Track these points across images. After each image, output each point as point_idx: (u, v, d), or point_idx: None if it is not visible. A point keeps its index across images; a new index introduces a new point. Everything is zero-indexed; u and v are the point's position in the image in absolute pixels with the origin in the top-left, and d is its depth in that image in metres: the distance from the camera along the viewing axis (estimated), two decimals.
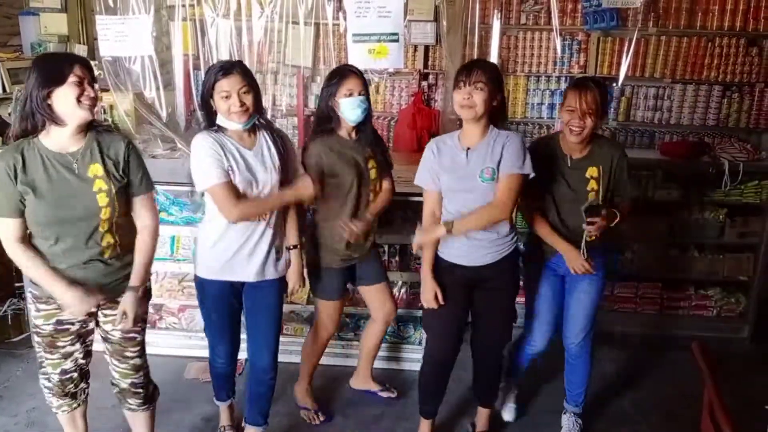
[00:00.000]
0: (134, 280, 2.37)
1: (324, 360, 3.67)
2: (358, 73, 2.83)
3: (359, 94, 2.77)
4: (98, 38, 4.08)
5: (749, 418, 2.29)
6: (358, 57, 3.79)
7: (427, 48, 5.33)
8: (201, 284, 2.70)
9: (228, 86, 2.42)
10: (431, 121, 5.02)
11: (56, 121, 2.15)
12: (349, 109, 2.77)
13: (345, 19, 3.84)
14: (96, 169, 2.22)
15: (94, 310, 2.37)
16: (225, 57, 4.19)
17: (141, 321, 2.48)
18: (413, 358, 3.64)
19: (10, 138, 2.23)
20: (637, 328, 4.18)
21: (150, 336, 2.66)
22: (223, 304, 2.70)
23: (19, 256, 2.23)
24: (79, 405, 2.57)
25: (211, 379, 3.00)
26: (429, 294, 2.68)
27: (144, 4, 3.96)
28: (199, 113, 4.47)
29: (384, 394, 3.41)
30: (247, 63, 4.18)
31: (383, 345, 3.62)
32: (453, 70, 4.64)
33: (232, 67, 2.47)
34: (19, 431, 3.10)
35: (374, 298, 3.15)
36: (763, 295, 4.16)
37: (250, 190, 2.52)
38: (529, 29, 5.20)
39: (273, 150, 2.58)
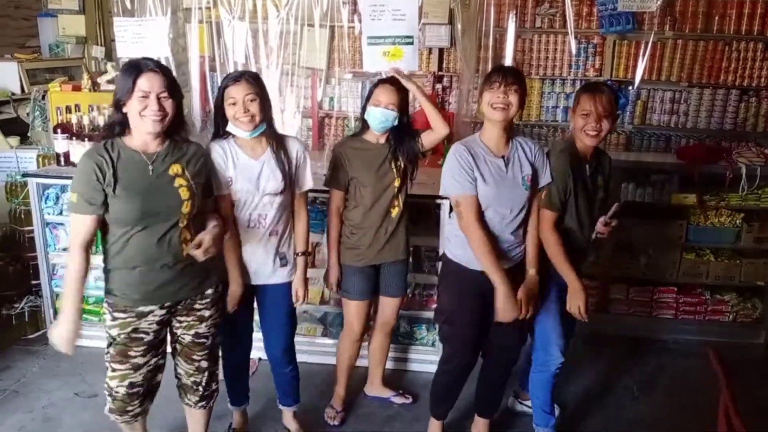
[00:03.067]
0: (209, 231, 2.36)
1: (335, 360, 3.68)
2: (396, 86, 2.87)
3: (387, 107, 2.82)
4: (116, 40, 4.11)
5: (765, 423, 2.27)
6: (372, 59, 3.79)
7: (441, 51, 5.35)
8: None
9: (235, 93, 2.48)
10: None
11: (131, 126, 2.24)
12: (372, 117, 2.85)
13: (360, 21, 3.85)
14: (176, 168, 2.30)
15: (165, 317, 2.38)
16: (241, 59, 4.21)
17: (212, 326, 2.51)
18: (425, 360, 3.63)
19: (100, 138, 2.31)
20: (653, 332, 4.15)
21: None
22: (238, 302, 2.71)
23: (74, 258, 2.22)
24: (136, 420, 2.52)
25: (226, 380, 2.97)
26: (513, 309, 2.56)
27: (161, 6, 4.00)
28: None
29: (398, 400, 3.39)
30: (262, 64, 4.24)
31: (395, 346, 3.63)
32: (467, 72, 4.66)
33: (241, 75, 2.53)
34: (35, 427, 3.12)
35: (381, 307, 3.17)
36: None
37: (251, 199, 2.58)
38: (544, 32, 5.20)
39: (278, 162, 2.60)
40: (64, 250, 3.77)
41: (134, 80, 2.17)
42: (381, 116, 2.83)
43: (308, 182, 2.73)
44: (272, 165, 2.59)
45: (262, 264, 2.68)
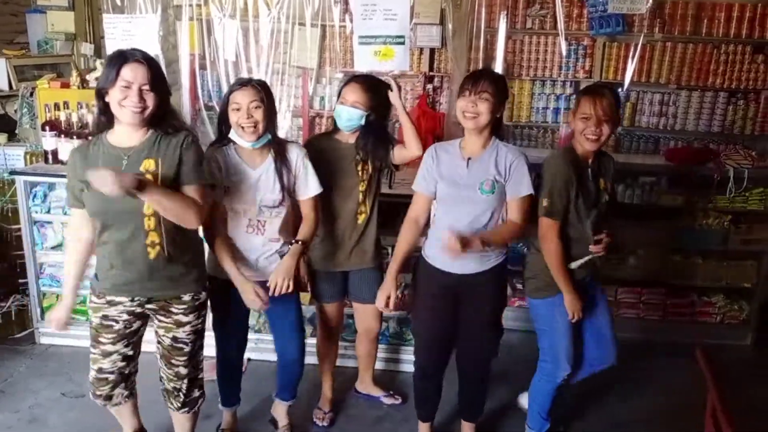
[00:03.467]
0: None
1: None
2: (364, 85, 2.79)
3: (353, 105, 2.76)
4: (105, 37, 4.10)
5: (752, 424, 2.29)
6: (364, 59, 3.80)
7: (432, 51, 5.35)
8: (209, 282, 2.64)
9: (240, 98, 2.44)
10: (436, 123, 5.03)
11: (113, 117, 2.23)
12: (338, 116, 2.80)
13: (351, 21, 3.86)
14: (149, 164, 2.23)
15: (141, 311, 2.41)
16: (231, 57, 4.20)
17: (192, 333, 2.47)
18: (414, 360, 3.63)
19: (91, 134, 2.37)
20: (640, 333, 4.17)
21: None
22: (229, 301, 2.68)
23: (67, 246, 2.44)
24: (116, 405, 2.57)
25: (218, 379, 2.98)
26: (384, 294, 2.65)
27: (151, 4, 3.99)
28: (204, 114, 4.53)
29: (387, 400, 3.38)
30: (253, 63, 4.23)
31: (385, 347, 3.65)
32: (458, 73, 4.67)
33: (248, 81, 2.49)
34: (21, 428, 3.09)
35: (359, 314, 3.15)
36: (766, 302, 4.15)
37: (247, 209, 2.55)
38: (535, 33, 5.21)
39: (277, 173, 2.55)
40: (52, 248, 3.74)
41: (118, 70, 2.15)
42: (346, 114, 2.77)
43: (312, 189, 2.65)
44: (270, 176, 2.55)
45: (265, 266, 2.64)
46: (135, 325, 2.43)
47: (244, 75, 4.27)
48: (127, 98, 2.15)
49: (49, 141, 3.66)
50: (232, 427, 3.06)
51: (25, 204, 3.64)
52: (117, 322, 2.38)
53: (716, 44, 5.05)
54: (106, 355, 2.43)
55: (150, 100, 2.19)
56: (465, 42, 4.64)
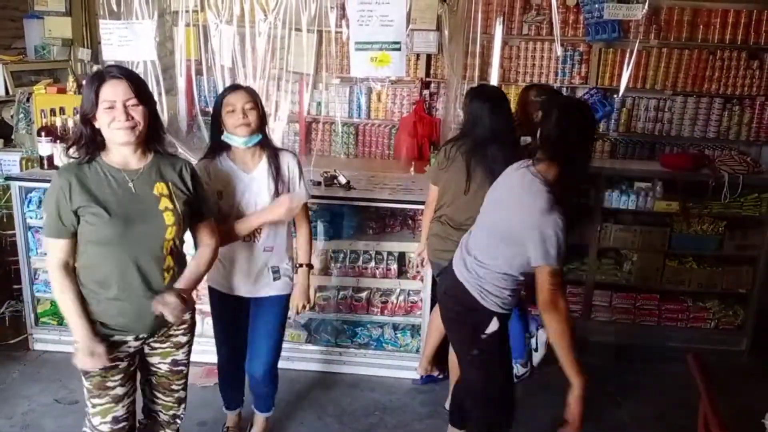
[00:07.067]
0: (180, 282, 2.16)
1: (319, 367, 3.68)
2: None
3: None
4: (102, 42, 4.10)
5: (745, 430, 2.29)
6: (360, 65, 3.81)
7: (429, 57, 5.36)
8: (209, 292, 2.79)
9: (234, 100, 2.49)
10: (432, 129, 5.04)
11: (106, 141, 2.09)
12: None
13: (348, 27, 3.86)
14: (161, 187, 2.12)
15: (139, 346, 2.23)
16: (228, 63, 4.21)
17: (189, 353, 2.37)
18: (410, 366, 3.62)
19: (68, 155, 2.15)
20: (635, 339, 4.17)
21: None
22: (225, 312, 2.75)
23: (56, 280, 2.08)
24: None
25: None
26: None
27: (148, 9, 3.98)
28: (201, 119, 4.53)
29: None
30: (249, 69, 4.24)
31: (379, 353, 3.66)
32: (454, 79, 4.68)
33: (239, 86, 2.58)
34: None
35: None
36: (761, 308, 4.15)
37: (244, 213, 2.56)
38: (531, 39, 5.23)
39: (271, 177, 2.58)
40: (47, 254, 3.73)
41: (96, 91, 2.01)
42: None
43: (304, 195, 2.70)
44: (264, 179, 2.57)
45: (255, 278, 2.66)
46: (136, 361, 2.28)
47: (241, 81, 4.28)
48: (114, 120, 2.01)
49: (44, 146, 3.66)
50: (237, 425, 3.06)
51: (19, 209, 3.64)
52: (122, 360, 2.17)
53: (712, 50, 5.08)
54: (119, 400, 2.19)
55: (138, 115, 2.04)
56: (461, 48, 4.64)
